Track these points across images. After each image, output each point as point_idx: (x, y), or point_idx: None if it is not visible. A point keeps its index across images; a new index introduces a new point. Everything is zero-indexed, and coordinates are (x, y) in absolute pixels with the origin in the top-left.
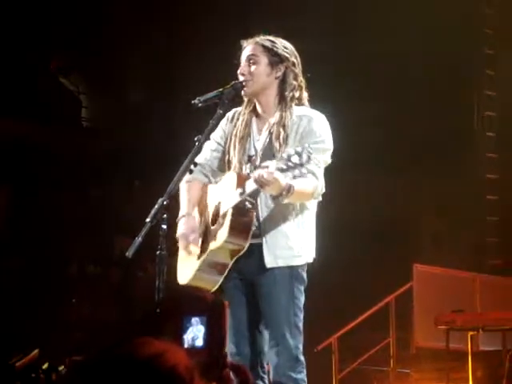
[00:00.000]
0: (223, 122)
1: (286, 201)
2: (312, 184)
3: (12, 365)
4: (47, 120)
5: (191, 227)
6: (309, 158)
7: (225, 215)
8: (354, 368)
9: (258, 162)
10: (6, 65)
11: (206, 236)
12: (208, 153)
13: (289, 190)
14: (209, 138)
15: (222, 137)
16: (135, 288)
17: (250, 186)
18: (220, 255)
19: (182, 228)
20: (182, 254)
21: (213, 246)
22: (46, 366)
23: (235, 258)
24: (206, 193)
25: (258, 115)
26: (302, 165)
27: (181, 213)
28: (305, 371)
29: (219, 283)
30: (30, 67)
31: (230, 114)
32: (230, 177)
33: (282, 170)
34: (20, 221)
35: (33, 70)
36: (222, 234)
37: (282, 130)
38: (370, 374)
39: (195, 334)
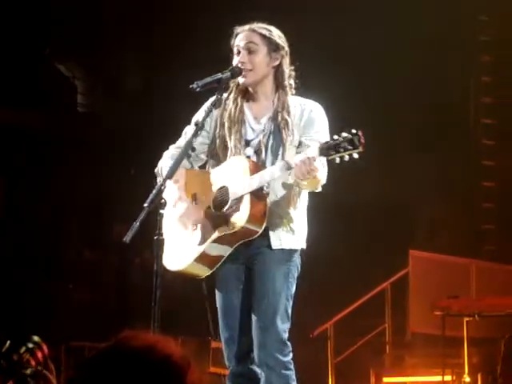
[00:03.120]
0: (207, 106)
1: (304, 185)
2: (324, 173)
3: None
4: (42, 106)
5: (188, 212)
6: (360, 143)
7: (239, 200)
8: (350, 354)
9: (263, 148)
10: (0, 51)
11: (208, 221)
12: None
13: (317, 181)
14: (201, 126)
15: (207, 122)
16: (132, 273)
17: (275, 170)
18: (228, 240)
19: (178, 213)
20: (174, 239)
21: (224, 231)
22: (6, 347)
23: (238, 244)
24: (202, 178)
25: (250, 101)
26: (353, 149)
27: (172, 197)
28: (291, 355)
29: (212, 271)
30: (24, 53)
31: (212, 99)
32: (239, 162)
33: (328, 155)
34: (16, 207)
35: (28, 56)
36: (240, 218)
37: (288, 117)
38: (365, 359)
39: None
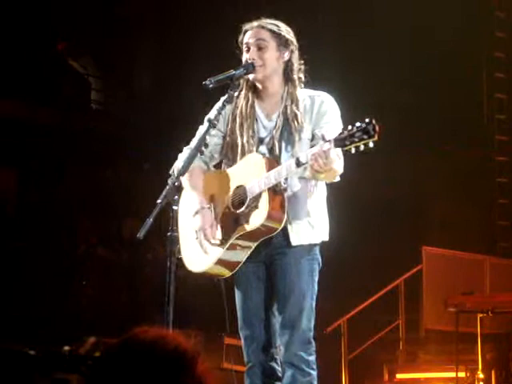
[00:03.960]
0: (218, 105)
1: (321, 177)
2: (339, 163)
3: (63, 352)
4: (56, 103)
5: (208, 220)
6: (375, 131)
7: (257, 198)
8: (363, 350)
9: (276, 143)
10: (15, 47)
11: (227, 221)
12: (207, 138)
13: (333, 172)
14: (213, 124)
15: (219, 121)
16: (145, 269)
17: (289, 167)
18: (249, 238)
19: (198, 222)
20: (193, 240)
21: (244, 229)
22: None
23: (259, 242)
24: (217, 179)
25: (259, 97)
26: (369, 138)
27: (193, 206)
28: (315, 354)
29: (235, 270)
30: (38, 49)
31: (224, 98)
32: (254, 159)
33: (344, 146)
34: (29, 203)
35: (41, 52)
36: (259, 217)
37: (296, 110)
38: (379, 356)
39: None
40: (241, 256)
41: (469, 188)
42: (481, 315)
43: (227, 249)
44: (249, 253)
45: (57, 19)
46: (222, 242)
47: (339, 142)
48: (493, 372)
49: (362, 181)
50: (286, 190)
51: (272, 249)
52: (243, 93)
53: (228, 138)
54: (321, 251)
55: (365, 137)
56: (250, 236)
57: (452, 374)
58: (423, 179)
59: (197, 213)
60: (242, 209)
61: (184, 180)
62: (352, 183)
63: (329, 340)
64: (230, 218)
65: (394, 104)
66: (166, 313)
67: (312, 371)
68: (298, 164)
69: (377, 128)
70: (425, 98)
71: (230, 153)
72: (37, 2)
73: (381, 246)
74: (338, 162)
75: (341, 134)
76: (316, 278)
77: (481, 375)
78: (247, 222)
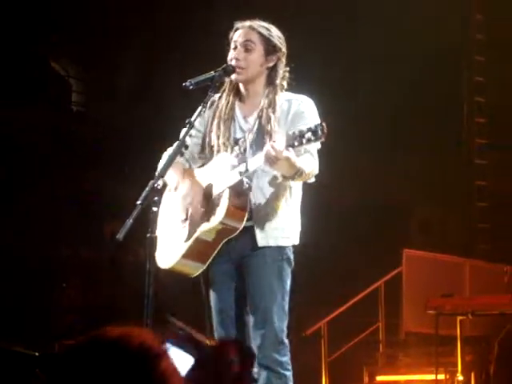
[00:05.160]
0: (200, 107)
1: (296, 181)
2: (313, 164)
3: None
4: (37, 104)
5: (193, 189)
6: (323, 133)
7: (220, 196)
8: (343, 353)
9: (248, 145)
10: None
11: (194, 219)
12: (188, 139)
13: (301, 173)
14: (193, 124)
15: (200, 123)
16: (126, 272)
17: (254, 164)
18: (211, 237)
19: (182, 191)
20: (166, 238)
21: (205, 226)
22: None
23: (224, 241)
24: (192, 176)
25: (241, 99)
26: (316, 139)
27: (171, 183)
28: (289, 354)
29: (203, 269)
30: (18, 50)
31: (207, 100)
32: (223, 158)
33: (294, 146)
34: (9, 205)
35: (22, 53)
36: (219, 214)
37: (271, 113)
38: (359, 358)
39: None
40: (206, 255)
41: (449, 191)
42: (460, 318)
43: (192, 245)
44: (214, 253)
45: (38, 20)
46: (187, 238)
47: (290, 141)
48: (472, 374)
49: (343, 184)
50: (249, 189)
51: (241, 250)
52: (225, 94)
53: (207, 139)
54: (294, 253)
55: (312, 138)
56: (213, 234)
57: (432, 377)
58: (403, 182)
59: (170, 205)
60: (206, 207)
61: (167, 177)
62: (332, 187)
63: (309, 342)
64: (197, 214)
65: (372, 108)
66: (146, 315)
67: (286, 372)
68: (241, 173)
69: (325, 130)
70: (404, 102)
71: (208, 153)
72: (17, 4)
73: (361, 248)
74: (309, 161)
75: (293, 133)
76: (287, 279)
77: (460, 377)
78: (209, 219)
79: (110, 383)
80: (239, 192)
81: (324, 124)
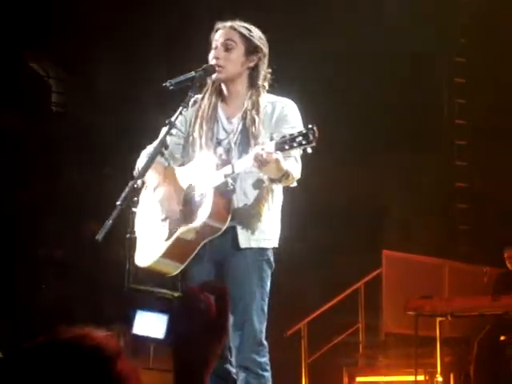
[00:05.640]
0: (181, 107)
1: (282, 185)
2: (297, 169)
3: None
4: (16, 105)
5: (170, 193)
6: (314, 138)
7: (203, 196)
8: (323, 353)
9: (232, 146)
10: None
11: (175, 218)
12: (168, 138)
13: (288, 176)
14: (173, 124)
15: (181, 122)
16: (105, 272)
17: (240, 166)
18: (192, 237)
19: (159, 195)
20: (145, 236)
21: (187, 226)
22: None
23: (205, 242)
24: (172, 176)
25: (224, 100)
26: (307, 143)
27: (151, 183)
28: (268, 355)
29: (181, 268)
30: None
31: (187, 100)
32: (206, 158)
33: (284, 150)
34: None
35: (0, 53)
36: (202, 214)
37: (256, 115)
38: (338, 359)
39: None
40: (186, 254)
41: (429, 192)
42: (440, 319)
43: (172, 244)
44: (194, 253)
45: (17, 20)
46: (168, 237)
47: (279, 145)
48: (452, 375)
49: (323, 185)
50: (233, 191)
51: (222, 250)
52: (208, 94)
53: (190, 138)
54: (274, 255)
55: (304, 142)
56: (194, 234)
57: (411, 378)
58: (383, 183)
59: (150, 204)
60: (188, 207)
61: (147, 177)
62: (312, 187)
63: (289, 343)
64: (178, 214)
65: (351, 107)
66: (125, 316)
67: (265, 373)
68: (226, 175)
69: (316, 134)
70: (384, 102)
71: (191, 152)
72: None
73: (341, 249)
74: (294, 165)
75: (283, 137)
76: (267, 281)
77: (439, 378)
78: (191, 219)
79: None
80: (223, 193)
81: (315, 128)
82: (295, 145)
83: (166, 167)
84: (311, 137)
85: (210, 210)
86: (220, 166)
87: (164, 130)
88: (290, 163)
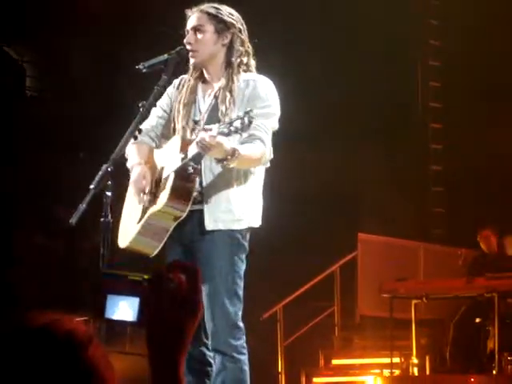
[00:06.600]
0: (169, 89)
1: (232, 165)
2: (259, 149)
3: None
4: None
5: (142, 174)
6: (250, 123)
7: (167, 179)
8: (299, 336)
9: (202, 126)
10: None
11: (147, 201)
12: (154, 119)
13: (233, 153)
14: (155, 105)
15: (167, 104)
16: (81, 258)
17: (192, 150)
18: (160, 219)
19: (132, 176)
20: (124, 216)
21: (153, 209)
22: None
23: (176, 223)
24: (151, 157)
25: (204, 81)
26: (243, 130)
27: (131, 163)
28: (244, 338)
29: (159, 248)
30: None
31: (176, 81)
32: (175, 141)
33: (224, 134)
34: None
35: None
36: (163, 197)
37: (228, 93)
38: (314, 342)
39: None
40: (159, 235)
41: (403, 175)
42: (415, 301)
43: (143, 227)
44: (167, 234)
45: None
46: (139, 220)
47: (221, 129)
48: (427, 357)
49: (296, 170)
50: (196, 172)
51: (190, 234)
52: (188, 78)
53: (172, 122)
54: (251, 237)
55: (239, 127)
56: (160, 216)
57: (387, 360)
58: (357, 166)
59: (133, 170)
60: (158, 188)
61: (131, 150)
62: (288, 170)
63: (265, 326)
64: (149, 196)
65: (328, 92)
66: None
67: (241, 356)
68: (182, 159)
69: (252, 119)
70: (357, 87)
71: (171, 135)
72: None
73: (316, 232)
74: (257, 148)
75: (224, 122)
76: (240, 264)
77: (415, 360)
78: (155, 202)
79: (36, 371)
80: (183, 176)
81: (252, 113)
82: (233, 129)
83: (150, 149)
84: (246, 121)
85: (169, 192)
86: (183, 148)
87: (154, 111)
88: (251, 146)
